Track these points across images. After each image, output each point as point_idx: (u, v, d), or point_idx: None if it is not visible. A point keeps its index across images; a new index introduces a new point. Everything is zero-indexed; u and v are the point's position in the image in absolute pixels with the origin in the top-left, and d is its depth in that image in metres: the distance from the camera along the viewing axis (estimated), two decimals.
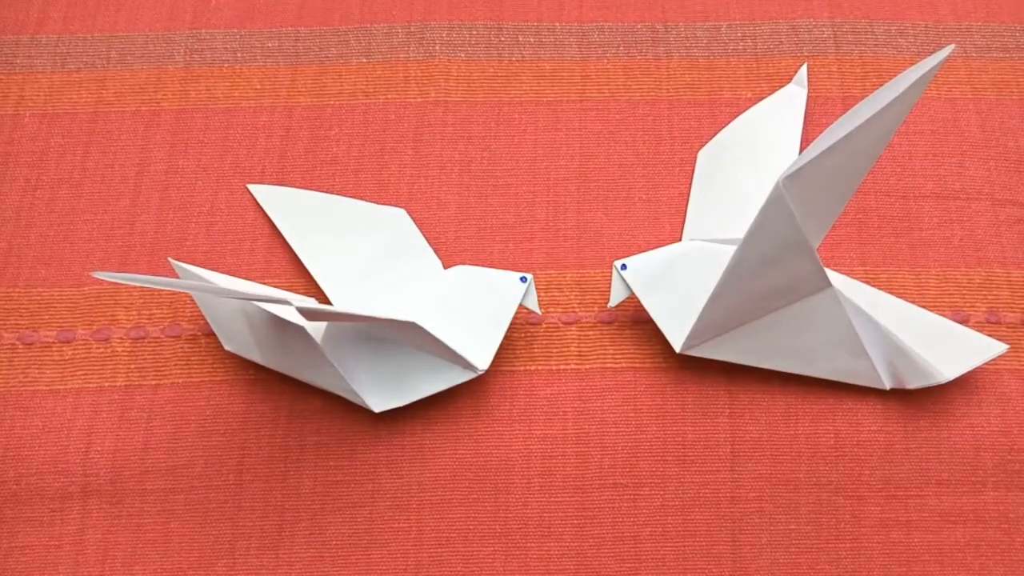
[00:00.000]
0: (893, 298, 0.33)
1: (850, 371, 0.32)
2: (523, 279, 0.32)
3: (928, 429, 0.32)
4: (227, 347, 0.32)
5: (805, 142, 0.36)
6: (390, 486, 0.32)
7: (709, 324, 0.31)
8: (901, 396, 0.32)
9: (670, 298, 0.32)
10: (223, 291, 0.30)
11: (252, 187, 0.36)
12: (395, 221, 0.35)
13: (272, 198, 0.36)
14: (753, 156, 0.36)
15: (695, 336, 0.31)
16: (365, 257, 0.34)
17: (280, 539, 0.31)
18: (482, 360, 0.31)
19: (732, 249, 0.29)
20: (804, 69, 0.38)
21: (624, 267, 0.32)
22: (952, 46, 0.26)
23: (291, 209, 0.35)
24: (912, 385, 0.31)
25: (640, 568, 0.31)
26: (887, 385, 0.32)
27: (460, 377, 0.31)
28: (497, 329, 0.32)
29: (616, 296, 0.32)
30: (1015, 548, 0.31)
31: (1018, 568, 0.31)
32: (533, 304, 0.32)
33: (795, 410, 0.33)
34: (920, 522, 0.31)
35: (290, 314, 0.29)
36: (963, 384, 0.33)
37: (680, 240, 0.35)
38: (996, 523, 0.31)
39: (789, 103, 0.37)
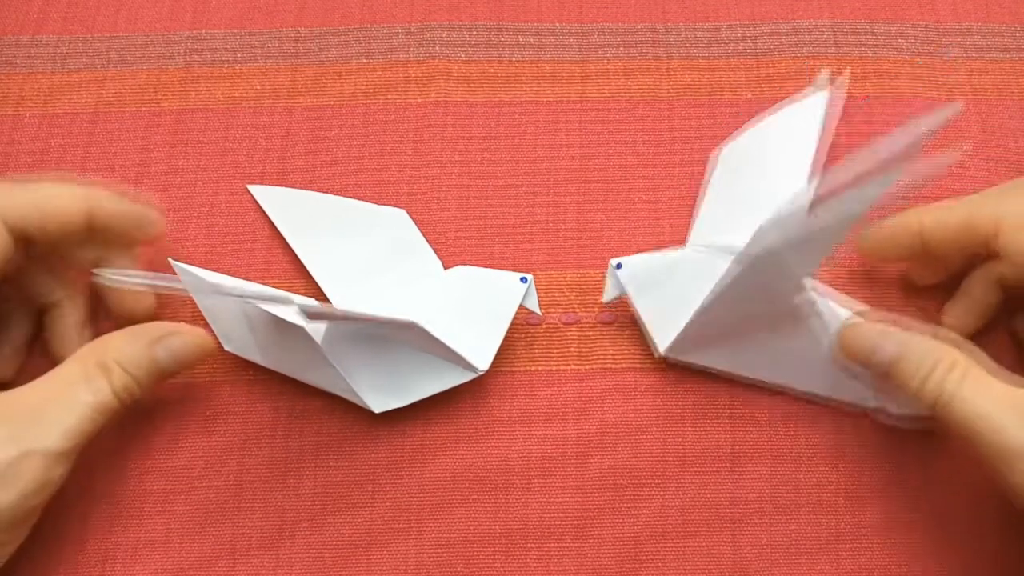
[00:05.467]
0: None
1: (834, 386, 0.32)
2: (523, 279, 0.32)
3: (928, 428, 0.32)
4: (227, 347, 0.32)
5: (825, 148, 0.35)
6: (390, 487, 0.32)
7: (695, 335, 0.31)
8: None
9: (660, 302, 0.32)
10: (223, 291, 0.30)
11: (252, 187, 0.36)
12: (395, 221, 0.35)
13: (272, 198, 0.36)
14: (771, 162, 0.35)
15: (679, 343, 0.31)
16: (365, 257, 0.34)
17: (280, 539, 0.31)
18: (482, 361, 0.31)
19: (728, 259, 0.29)
20: (847, 75, 0.37)
21: (619, 266, 0.32)
22: (957, 106, 0.26)
23: (291, 209, 0.35)
24: (895, 411, 0.31)
25: (640, 569, 0.31)
26: (872, 406, 0.32)
27: (460, 378, 0.31)
28: (497, 330, 0.32)
29: (609, 293, 0.32)
30: (1014, 548, 0.31)
31: (1018, 568, 0.31)
32: (533, 304, 0.32)
33: (795, 410, 0.33)
34: (920, 522, 0.31)
35: (290, 314, 0.29)
36: None
37: (687, 235, 0.35)
38: (995, 522, 0.31)
39: (813, 109, 0.35)
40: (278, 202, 0.36)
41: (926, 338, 0.28)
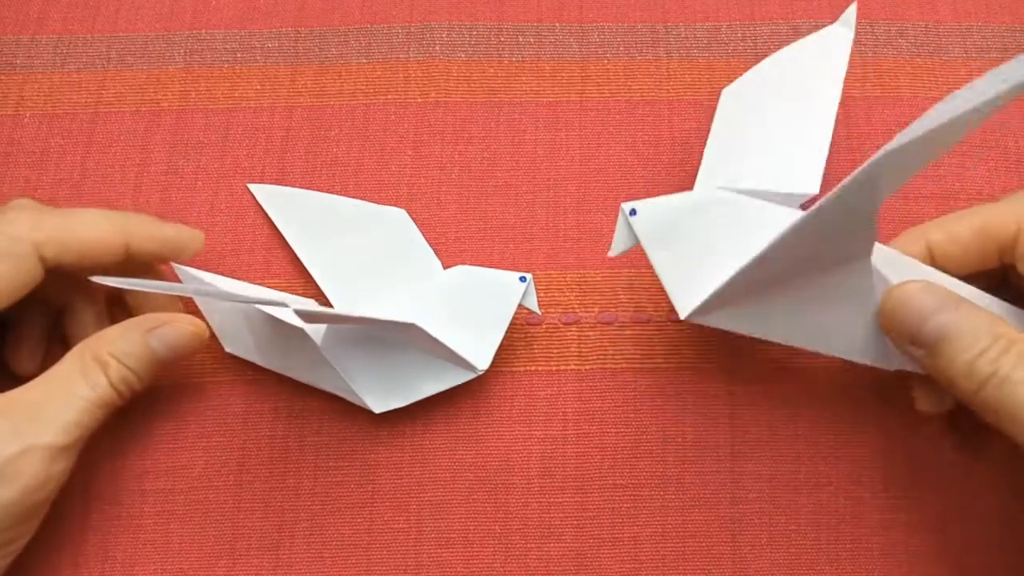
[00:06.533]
0: (940, 274, 0.29)
1: (869, 351, 0.28)
2: (522, 279, 0.32)
3: (928, 429, 0.32)
4: (227, 348, 0.32)
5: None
6: (390, 487, 0.32)
7: (728, 295, 0.27)
8: (901, 396, 0.32)
9: (682, 256, 0.28)
10: (224, 295, 0.30)
11: (252, 186, 0.36)
12: (395, 221, 0.35)
13: (272, 198, 0.36)
14: (785, 101, 0.32)
15: (705, 307, 0.28)
16: (365, 257, 0.34)
17: (280, 539, 0.31)
18: (482, 360, 0.31)
19: (756, 204, 0.26)
20: (853, 8, 0.32)
21: (633, 212, 0.28)
22: None
23: (291, 209, 0.35)
24: None
25: (640, 569, 0.31)
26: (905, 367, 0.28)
27: (460, 377, 0.31)
28: (497, 329, 0.32)
29: (619, 245, 0.29)
30: (1015, 548, 0.31)
31: (1019, 568, 0.31)
32: (532, 304, 0.32)
33: (795, 411, 0.33)
34: (920, 522, 0.31)
35: (289, 316, 0.29)
36: None
37: (692, 186, 0.32)
38: (996, 523, 0.31)
39: (831, 45, 0.32)
40: (278, 201, 0.36)
41: (985, 312, 0.25)
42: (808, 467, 0.32)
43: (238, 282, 0.33)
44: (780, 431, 0.32)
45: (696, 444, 0.32)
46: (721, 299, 0.28)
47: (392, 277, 0.33)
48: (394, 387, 0.31)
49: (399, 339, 0.31)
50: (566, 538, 0.31)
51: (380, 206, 0.35)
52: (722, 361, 0.33)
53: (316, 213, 0.35)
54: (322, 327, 0.30)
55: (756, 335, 0.29)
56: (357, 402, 0.31)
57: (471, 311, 0.32)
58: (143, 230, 0.30)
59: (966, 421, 0.29)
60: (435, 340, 0.30)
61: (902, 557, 0.31)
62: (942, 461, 0.32)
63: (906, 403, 0.32)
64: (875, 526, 0.31)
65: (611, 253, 0.29)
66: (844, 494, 0.32)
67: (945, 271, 0.29)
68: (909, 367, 0.28)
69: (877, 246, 0.28)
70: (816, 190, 0.30)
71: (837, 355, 0.29)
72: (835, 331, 0.28)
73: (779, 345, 0.32)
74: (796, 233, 0.25)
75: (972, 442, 0.30)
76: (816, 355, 0.33)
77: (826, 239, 0.25)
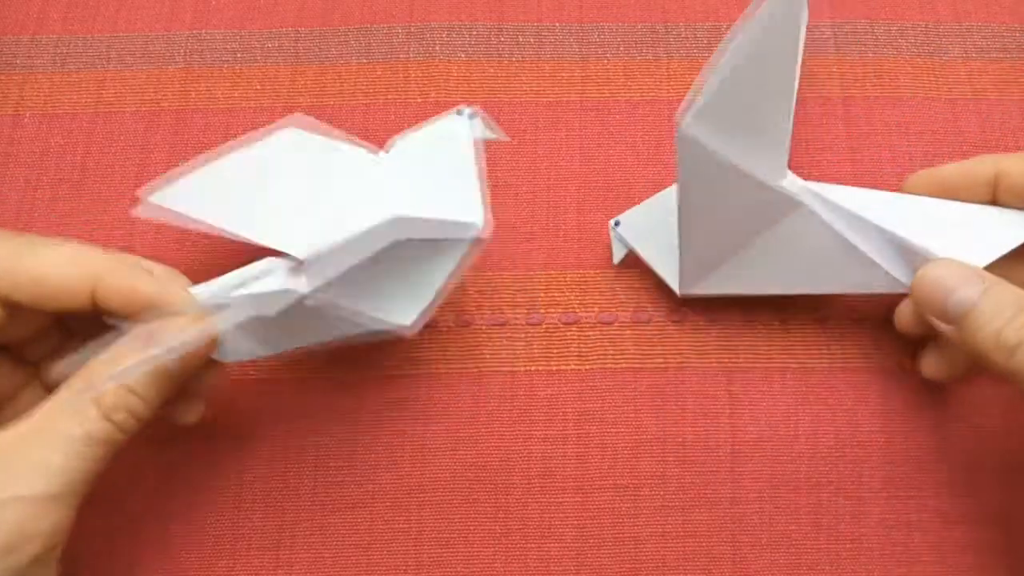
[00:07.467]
0: (898, 196, 0.30)
1: (863, 282, 0.30)
2: (459, 112, 0.29)
3: (928, 429, 0.32)
4: (228, 359, 0.29)
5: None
6: (390, 487, 0.32)
7: (695, 263, 0.31)
8: (901, 396, 0.33)
9: (664, 244, 0.32)
10: (208, 301, 0.27)
11: (142, 206, 0.28)
12: (296, 140, 0.30)
13: (170, 199, 0.29)
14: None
15: (688, 277, 0.31)
16: (299, 193, 0.29)
17: (280, 539, 0.31)
18: (475, 215, 0.28)
19: None
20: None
21: (617, 223, 0.33)
22: None
23: (195, 198, 0.29)
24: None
25: (640, 569, 0.31)
26: (887, 288, 0.30)
27: (464, 243, 0.29)
28: (468, 178, 0.29)
29: (617, 254, 0.34)
30: (1015, 548, 0.31)
31: (1019, 568, 0.31)
32: (493, 133, 0.29)
33: (795, 411, 0.33)
34: (920, 522, 0.31)
35: (278, 284, 0.26)
36: (963, 384, 0.33)
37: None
38: (996, 523, 0.31)
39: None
40: (177, 199, 0.29)
41: (1009, 286, 0.26)
42: (808, 467, 0.32)
43: (212, 282, 0.29)
44: (780, 431, 0.32)
45: (696, 444, 0.32)
46: (697, 269, 0.31)
47: (339, 191, 0.29)
48: (410, 294, 0.29)
49: (385, 244, 0.28)
50: (566, 538, 0.31)
51: (269, 135, 0.30)
52: (722, 361, 0.33)
53: (222, 188, 0.29)
54: (310, 284, 0.27)
55: (754, 292, 0.32)
56: (387, 327, 0.29)
57: (434, 174, 0.29)
58: (116, 282, 0.25)
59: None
60: (423, 221, 0.27)
61: (902, 557, 0.31)
62: (942, 462, 0.32)
63: (906, 403, 0.33)
64: (875, 526, 0.31)
65: (614, 263, 0.34)
66: (844, 494, 0.32)
67: (1004, 200, 0.29)
68: (900, 289, 0.30)
69: (825, 187, 0.30)
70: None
71: (838, 292, 0.31)
72: (821, 273, 0.30)
73: (779, 343, 0.33)
74: (684, 207, 0.28)
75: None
76: (815, 355, 0.33)
77: (719, 202, 0.28)
